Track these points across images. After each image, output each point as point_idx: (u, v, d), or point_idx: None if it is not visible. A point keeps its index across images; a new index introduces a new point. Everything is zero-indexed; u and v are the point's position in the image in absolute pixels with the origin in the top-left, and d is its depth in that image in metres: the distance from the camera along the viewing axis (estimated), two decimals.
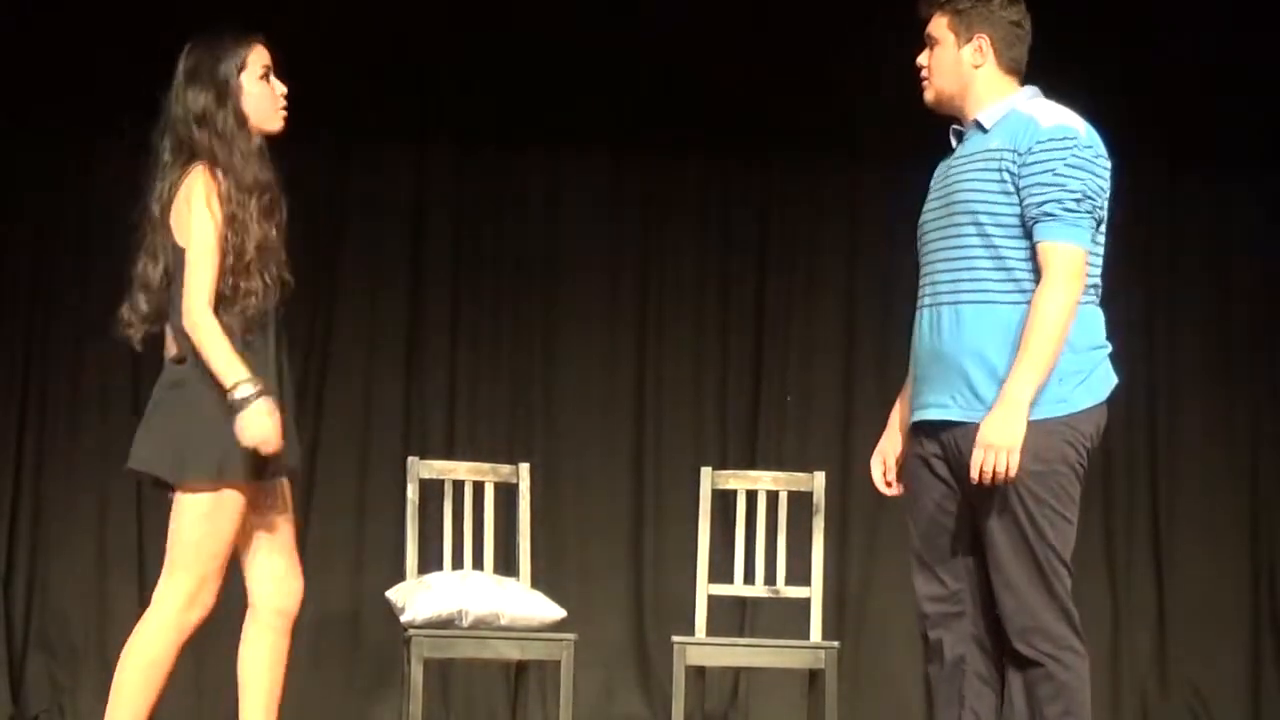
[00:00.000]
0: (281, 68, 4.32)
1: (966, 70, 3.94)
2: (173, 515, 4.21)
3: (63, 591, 6.76)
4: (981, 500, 3.83)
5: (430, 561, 5.61)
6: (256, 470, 4.11)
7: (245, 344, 4.12)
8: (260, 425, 4.04)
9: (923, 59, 3.99)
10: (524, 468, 5.74)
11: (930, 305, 3.92)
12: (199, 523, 4.16)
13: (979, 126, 3.94)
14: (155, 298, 4.26)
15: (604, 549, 6.93)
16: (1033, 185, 3.80)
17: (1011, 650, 3.85)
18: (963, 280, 3.87)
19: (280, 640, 4.33)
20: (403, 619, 5.34)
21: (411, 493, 5.63)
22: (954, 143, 4.02)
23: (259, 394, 4.04)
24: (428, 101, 6.92)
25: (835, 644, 5.44)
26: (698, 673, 5.62)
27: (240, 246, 4.10)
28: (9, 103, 6.74)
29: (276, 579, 4.28)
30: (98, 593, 6.76)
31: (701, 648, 5.46)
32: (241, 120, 4.19)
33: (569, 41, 6.86)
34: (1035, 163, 3.81)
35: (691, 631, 5.60)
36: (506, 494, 5.76)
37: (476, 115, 6.94)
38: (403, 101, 6.87)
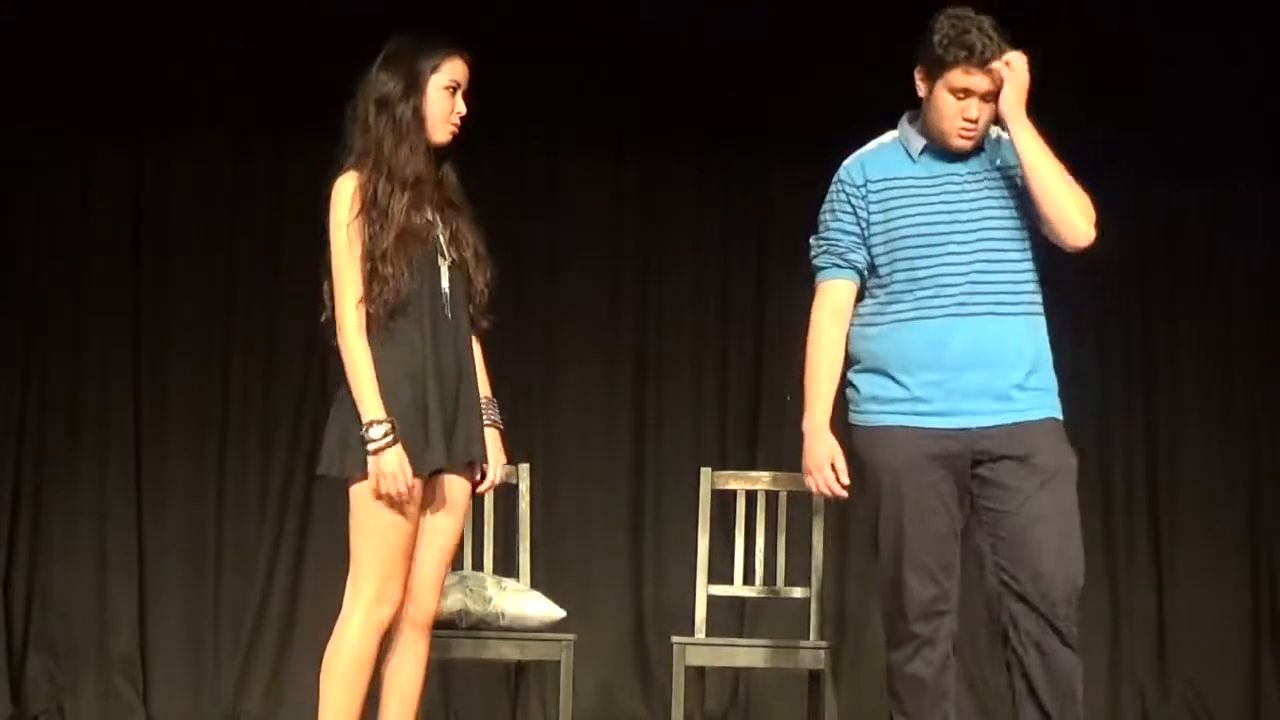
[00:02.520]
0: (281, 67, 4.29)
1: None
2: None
3: (63, 591, 6.77)
4: (1034, 484, 4.00)
5: None
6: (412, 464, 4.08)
7: (389, 331, 4.10)
8: (387, 473, 4.03)
9: (975, 112, 4.05)
10: (524, 468, 5.74)
11: (967, 314, 4.04)
12: (358, 516, 4.11)
13: (978, 147, 4.10)
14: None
15: (604, 549, 6.93)
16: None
17: (1053, 628, 4.01)
18: (1012, 287, 4.06)
19: (413, 646, 4.24)
20: None
21: None
22: (912, 157, 4.14)
23: (389, 439, 4.03)
24: None
25: (835, 644, 5.43)
26: (697, 673, 5.62)
27: (378, 234, 4.10)
28: (9, 103, 6.75)
29: (410, 587, 4.23)
30: (98, 593, 6.77)
31: (701, 648, 5.46)
32: (419, 117, 4.20)
33: (569, 41, 6.86)
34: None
35: (691, 632, 5.60)
36: (506, 494, 5.75)
37: (476, 115, 6.92)
38: None
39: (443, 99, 4.24)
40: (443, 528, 4.22)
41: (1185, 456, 7.03)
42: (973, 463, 4.06)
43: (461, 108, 4.28)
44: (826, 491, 4.19)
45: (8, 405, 6.81)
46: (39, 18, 6.77)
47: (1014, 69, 4.01)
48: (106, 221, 6.90)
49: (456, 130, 4.28)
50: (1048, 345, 4.14)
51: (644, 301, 7.06)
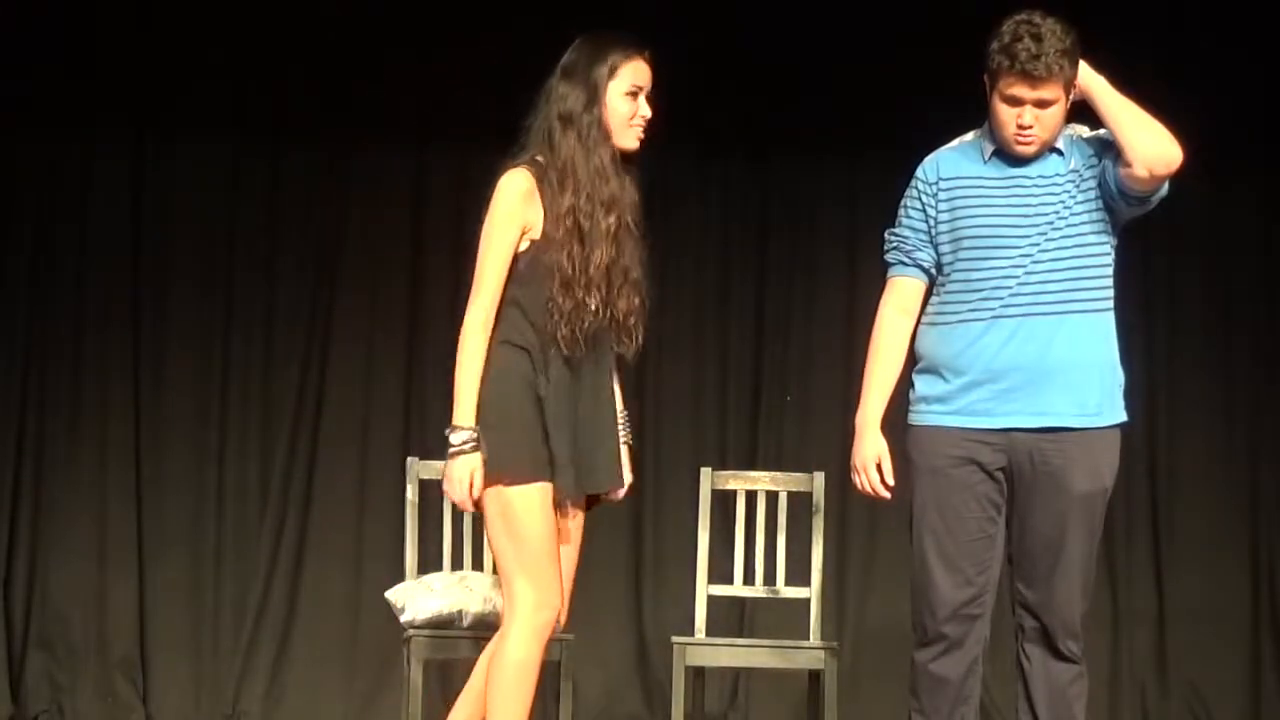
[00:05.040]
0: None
1: (1064, 116, 4.10)
2: None
3: (63, 591, 6.77)
4: (1067, 505, 4.04)
5: (430, 562, 5.62)
6: (531, 472, 4.01)
7: (514, 343, 4.02)
8: (454, 478, 3.99)
9: (1028, 119, 4.02)
10: None
11: (1015, 316, 4.04)
12: (501, 522, 4.03)
13: (1054, 150, 4.09)
14: None
15: (604, 549, 6.91)
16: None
17: (1053, 648, 4.06)
18: (1076, 290, 4.05)
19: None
20: (402, 619, 5.34)
21: (411, 493, 5.63)
22: (984, 158, 4.13)
23: (470, 448, 3.98)
24: (428, 101, 6.92)
25: (835, 644, 5.44)
26: (697, 673, 5.61)
27: (585, 260, 4.00)
28: (9, 102, 6.75)
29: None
30: (98, 593, 6.77)
31: (701, 648, 5.46)
32: (605, 130, 4.08)
33: (568, 42, 6.84)
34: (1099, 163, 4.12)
35: (691, 632, 5.60)
36: None
37: (476, 115, 6.93)
38: (402, 101, 6.87)
39: (624, 104, 4.11)
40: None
41: (1185, 456, 7.03)
42: (1011, 466, 4.07)
43: (646, 110, 4.15)
44: (869, 491, 4.16)
45: (8, 405, 6.81)
46: (39, 17, 6.77)
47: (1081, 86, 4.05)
48: (106, 221, 6.90)
49: (642, 135, 4.15)
50: (1113, 346, 4.13)
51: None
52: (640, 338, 4.15)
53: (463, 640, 5.30)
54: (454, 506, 5.57)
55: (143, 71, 6.90)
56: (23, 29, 6.75)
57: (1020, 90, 3.99)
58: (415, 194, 6.91)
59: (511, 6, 6.88)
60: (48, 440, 6.84)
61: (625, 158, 4.13)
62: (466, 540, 5.60)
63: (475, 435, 3.99)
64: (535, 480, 4.01)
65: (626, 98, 4.11)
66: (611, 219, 4.06)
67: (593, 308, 4.01)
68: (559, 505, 4.05)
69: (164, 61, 6.90)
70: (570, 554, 4.16)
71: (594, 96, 4.07)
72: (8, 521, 6.78)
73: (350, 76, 6.89)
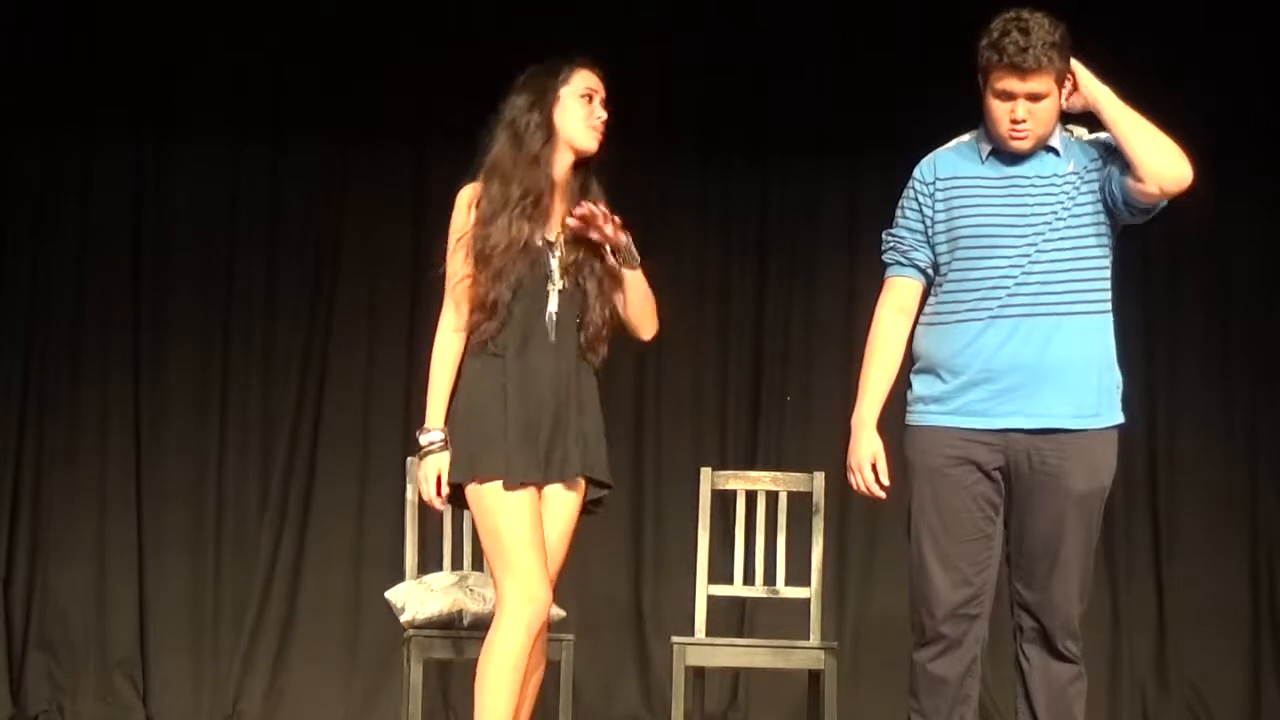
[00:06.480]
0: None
1: (1058, 111, 4.10)
2: None
3: (63, 591, 6.77)
4: (1065, 505, 4.03)
5: (430, 562, 5.62)
6: (502, 467, 4.15)
7: (486, 345, 4.19)
8: (422, 476, 4.23)
9: (1021, 113, 4.03)
10: None
11: (1013, 316, 4.04)
12: (480, 520, 4.21)
13: (1049, 150, 4.10)
14: None
15: (604, 549, 6.92)
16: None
17: (1052, 648, 4.07)
18: (1074, 292, 4.05)
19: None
20: (402, 619, 5.34)
21: (411, 493, 5.63)
22: (981, 158, 4.14)
23: (437, 448, 4.19)
24: (427, 101, 6.92)
25: (835, 644, 5.44)
26: (697, 673, 5.61)
27: (488, 246, 4.16)
28: (9, 102, 6.75)
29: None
30: (98, 593, 6.77)
31: (701, 648, 5.46)
32: (545, 126, 4.24)
33: (568, 42, 6.84)
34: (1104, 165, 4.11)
35: (691, 632, 5.60)
36: None
37: (476, 115, 6.92)
38: (402, 101, 6.88)
39: (580, 105, 4.27)
40: (547, 534, 4.23)
41: (1185, 456, 7.03)
42: (1008, 466, 4.07)
43: (601, 112, 4.30)
44: (864, 490, 4.18)
45: (8, 405, 6.81)
46: (39, 18, 6.77)
47: (1079, 83, 4.06)
48: (106, 221, 6.91)
49: (600, 136, 4.30)
50: (1111, 349, 4.13)
51: None
52: (595, 343, 4.33)
53: (463, 640, 5.30)
54: (453, 507, 5.60)
55: (143, 71, 6.90)
56: (23, 28, 6.75)
57: (1011, 84, 4.00)
58: (415, 194, 6.91)
59: (511, 7, 6.89)
60: (48, 440, 6.84)
61: (585, 162, 4.31)
62: (466, 540, 5.60)
63: (443, 436, 4.20)
64: (507, 477, 4.15)
65: (581, 99, 4.28)
66: (528, 202, 4.17)
67: (492, 294, 4.14)
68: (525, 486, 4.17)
69: (164, 61, 6.90)
70: (556, 536, 4.25)
71: (540, 99, 4.25)
72: (8, 521, 6.78)
73: (350, 76, 6.89)
